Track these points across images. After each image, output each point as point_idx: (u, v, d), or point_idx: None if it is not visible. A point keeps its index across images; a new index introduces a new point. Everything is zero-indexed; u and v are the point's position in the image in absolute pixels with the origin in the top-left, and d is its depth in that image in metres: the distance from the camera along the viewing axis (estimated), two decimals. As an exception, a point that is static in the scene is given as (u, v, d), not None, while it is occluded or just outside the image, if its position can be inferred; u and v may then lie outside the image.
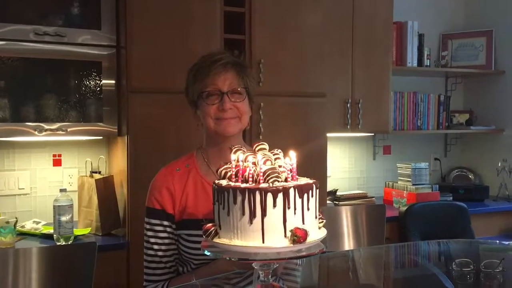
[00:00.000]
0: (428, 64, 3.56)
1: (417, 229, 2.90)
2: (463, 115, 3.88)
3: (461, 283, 1.37)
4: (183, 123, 2.47)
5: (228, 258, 1.02)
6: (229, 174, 1.09)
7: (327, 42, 2.84)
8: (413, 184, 3.25)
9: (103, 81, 2.48)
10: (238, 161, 1.07)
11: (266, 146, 1.14)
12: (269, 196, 0.99)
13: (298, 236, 0.99)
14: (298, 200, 1.01)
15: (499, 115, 3.73)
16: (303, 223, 1.02)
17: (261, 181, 1.02)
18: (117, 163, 2.63)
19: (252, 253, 0.99)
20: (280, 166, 1.07)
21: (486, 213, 3.37)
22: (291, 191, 1.00)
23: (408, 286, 1.68)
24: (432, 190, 3.28)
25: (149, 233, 1.41)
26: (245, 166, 1.06)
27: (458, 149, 3.98)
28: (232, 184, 1.03)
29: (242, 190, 1.00)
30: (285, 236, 1.00)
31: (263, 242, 1.00)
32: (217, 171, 1.13)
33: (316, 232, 1.04)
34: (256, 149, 1.13)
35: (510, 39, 3.64)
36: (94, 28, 2.44)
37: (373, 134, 3.50)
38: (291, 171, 1.06)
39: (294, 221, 1.01)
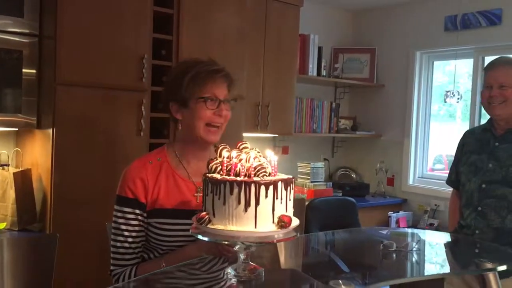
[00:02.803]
0: (325, 74, 3.99)
1: (317, 221, 3.27)
2: (348, 121, 4.40)
3: (387, 260, 1.69)
4: (110, 117, 2.50)
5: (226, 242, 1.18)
6: (219, 168, 1.24)
7: (246, 47, 3.06)
8: (312, 181, 3.63)
9: (24, 71, 2.38)
10: (230, 158, 1.23)
11: (248, 145, 1.31)
12: (262, 188, 1.17)
13: (285, 222, 1.19)
14: (284, 192, 1.20)
15: (378, 123, 4.32)
16: (286, 211, 1.22)
17: (252, 175, 1.19)
18: (33, 156, 2.54)
19: (248, 237, 1.16)
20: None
21: (367, 207, 3.89)
22: (279, 184, 1.19)
23: (315, 269, 1.96)
24: (326, 187, 3.70)
25: (120, 221, 1.49)
26: (235, 162, 1.22)
27: (343, 151, 4.50)
28: (228, 177, 1.19)
29: (239, 183, 1.16)
30: (273, 222, 1.19)
31: (255, 227, 1.17)
32: (207, 166, 1.27)
33: (294, 219, 1.25)
34: (240, 147, 1.30)
35: (389, 57, 4.23)
36: (16, 15, 2.34)
37: (276, 135, 3.80)
38: (274, 167, 1.25)
39: (280, 209, 1.20)
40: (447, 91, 3.53)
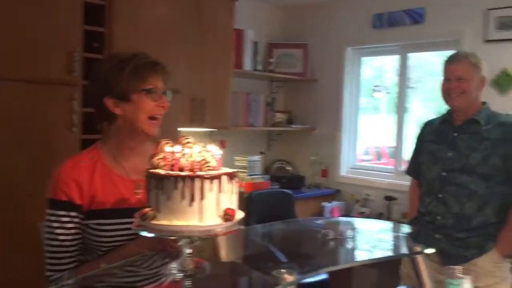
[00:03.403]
0: (260, 69, 4.04)
1: (255, 213, 3.32)
2: (283, 115, 4.48)
3: (325, 248, 1.76)
4: (39, 113, 2.38)
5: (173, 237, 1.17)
6: (162, 164, 1.23)
7: (182, 41, 3.03)
8: (249, 175, 3.67)
9: None
10: (173, 152, 1.22)
11: (192, 139, 1.31)
12: (207, 182, 1.17)
13: (230, 215, 1.20)
14: (228, 185, 1.22)
15: (312, 116, 4.45)
16: (231, 204, 1.23)
17: (196, 170, 1.19)
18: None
19: (195, 231, 1.16)
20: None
21: (303, 198, 4.01)
22: (224, 177, 1.20)
23: (255, 260, 2.00)
24: (264, 180, 3.76)
25: (55, 224, 1.43)
26: (179, 157, 1.22)
27: (279, 144, 4.58)
28: (172, 172, 1.18)
29: (183, 178, 1.16)
30: (218, 215, 1.20)
31: (200, 221, 1.18)
32: (150, 161, 1.25)
33: (238, 212, 1.27)
34: (184, 142, 1.29)
35: (321, 53, 4.36)
36: None
37: (214, 129, 3.80)
38: (217, 161, 1.26)
39: (225, 203, 1.21)
40: (375, 86, 3.71)
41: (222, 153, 1.27)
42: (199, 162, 1.20)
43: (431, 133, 2.36)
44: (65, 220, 1.43)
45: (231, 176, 1.23)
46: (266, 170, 4.40)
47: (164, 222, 1.17)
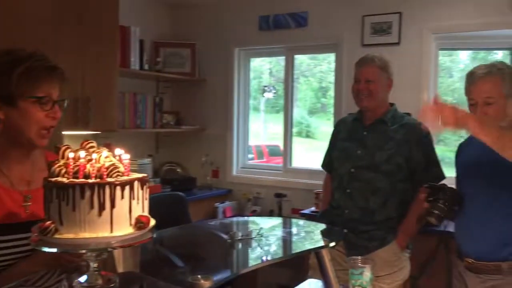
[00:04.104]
0: (147, 68, 3.89)
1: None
2: (171, 116, 4.38)
3: (235, 248, 1.74)
4: None
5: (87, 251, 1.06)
6: (63, 171, 1.11)
7: (62, 37, 2.79)
8: (140, 179, 3.52)
9: None
10: (76, 158, 1.10)
11: (95, 144, 1.20)
12: (118, 189, 1.08)
13: (144, 223, 1.13)
14: (140, 191, 1.14)
15: (201, 117, 4.41)
16: (143, 211, 1.16)
17: (105, 176, 1.10)
18: None
19: (105, 242, 1.06)
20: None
21: (196, 200, 3.95)
22: (136, 183, 1.12)
23: (152, 267, 1.93)
24: (155, 183, 3.63)
25: None
26: (83, 163, 1.10)
27: (167, 146, 4.46)
28: (77, 180, 1.07)
29: (91, 185, 1.06)
30: (130, 224, 1.12)
31: (111, 231, 1.08)
32: (49, 169, 1.12)
33: (151, 219, 1.19)
34: (87, 147, 1.18)
35: (209, 53, 4.34)
36: None
37: (99, 132, 3.57)
38: (126, 166, 1.17)
39: (137, 210, 1.13)
40: (265, 86, 3.80)
41: (129, 157, 1.18)
42: (107, 167, 1.11)
43: (344, 131, 2.50)
44: None
45: (142, 181, 1.15)
46: (156, 173, 4.27)
47: (69, 235, 1.06)
